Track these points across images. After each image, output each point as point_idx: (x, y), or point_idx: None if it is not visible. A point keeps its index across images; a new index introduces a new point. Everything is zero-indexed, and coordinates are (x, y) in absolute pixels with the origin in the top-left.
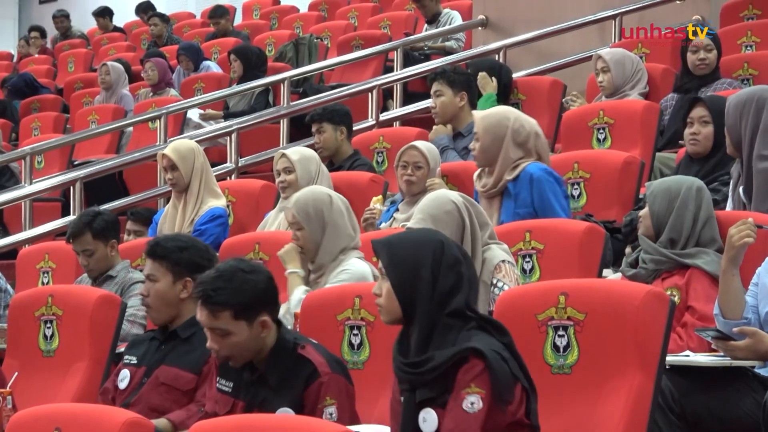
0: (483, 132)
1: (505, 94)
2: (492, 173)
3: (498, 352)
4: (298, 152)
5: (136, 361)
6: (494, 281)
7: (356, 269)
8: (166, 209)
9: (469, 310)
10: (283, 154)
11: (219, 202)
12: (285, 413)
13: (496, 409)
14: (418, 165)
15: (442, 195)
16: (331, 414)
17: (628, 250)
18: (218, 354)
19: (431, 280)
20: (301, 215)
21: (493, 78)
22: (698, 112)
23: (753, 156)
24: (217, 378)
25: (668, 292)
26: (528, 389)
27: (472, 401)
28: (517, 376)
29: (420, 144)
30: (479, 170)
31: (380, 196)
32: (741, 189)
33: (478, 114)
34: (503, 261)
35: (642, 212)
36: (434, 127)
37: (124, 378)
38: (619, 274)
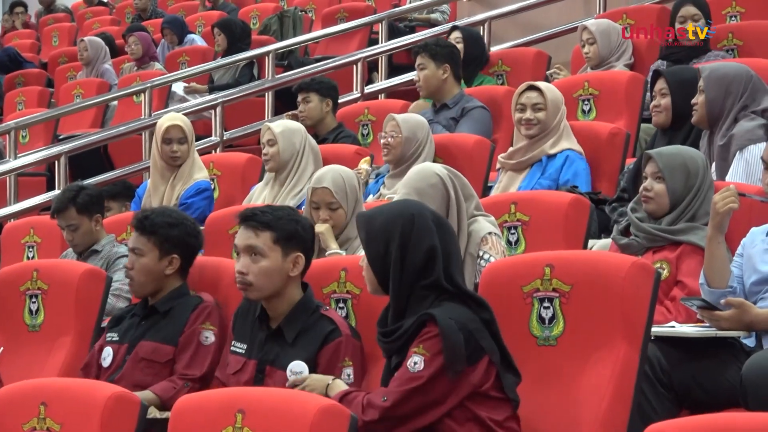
0: (551, 103)
1: (480, 64)
2: (532, 144)
3: (461, 321)
4: (282, 125)
5: (118, 338)
6: (480, 253)
7: None
8: (150, 183)
9: (451, 284)
10: (269, 127)
11: (203, 175)
12: (298, 366)
13: (442, 375)
14: (393, 134)
15: (426, 168)
16: (349, 375)
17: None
18: (243, 280)
19: (399, 254)
20: (340, 195)
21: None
22: (658, 84)
23: (718, 131)
24: (233, 342)
25: (658, 265)
26: (497, 364)
27: (415, 361)
28: (485, 348)
29: (398, 115)
30: (520, 145)
31: (368, 158)
32: None
33: (543, 85)
34: (489, 233)
35: (656, 188)
36: (413, 104)
37: (107, 356)
38: (609, 241)
